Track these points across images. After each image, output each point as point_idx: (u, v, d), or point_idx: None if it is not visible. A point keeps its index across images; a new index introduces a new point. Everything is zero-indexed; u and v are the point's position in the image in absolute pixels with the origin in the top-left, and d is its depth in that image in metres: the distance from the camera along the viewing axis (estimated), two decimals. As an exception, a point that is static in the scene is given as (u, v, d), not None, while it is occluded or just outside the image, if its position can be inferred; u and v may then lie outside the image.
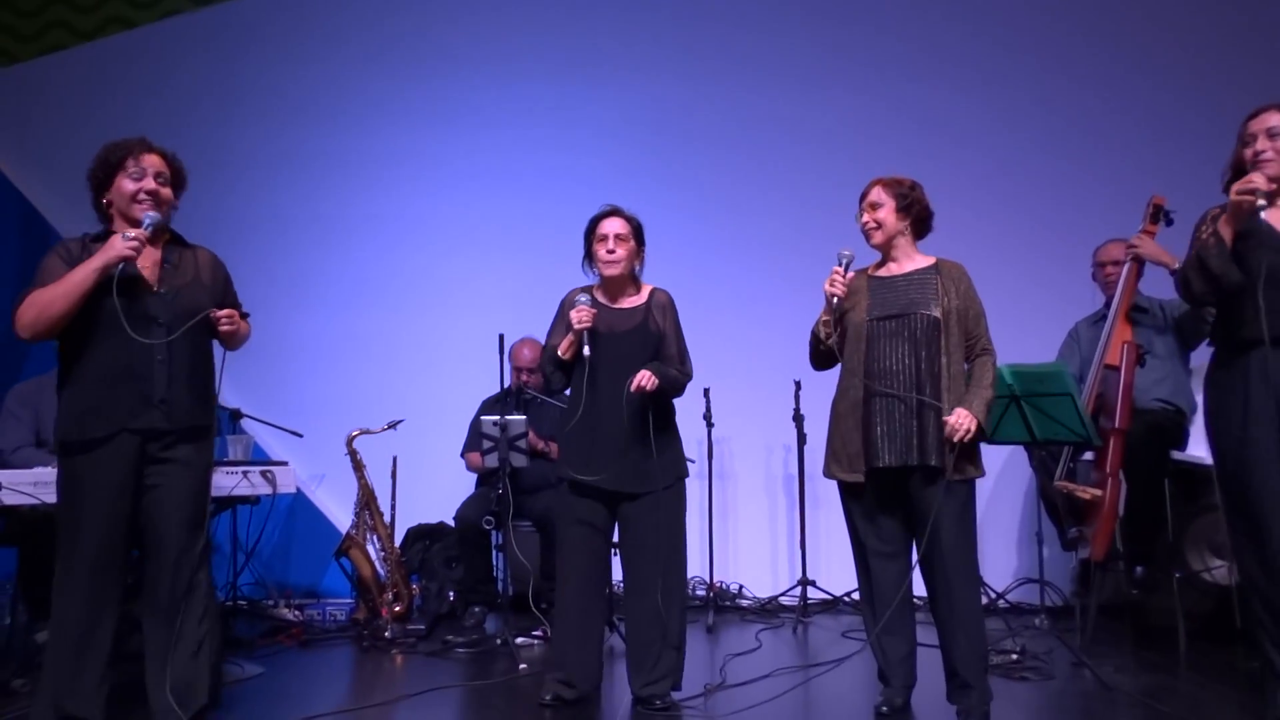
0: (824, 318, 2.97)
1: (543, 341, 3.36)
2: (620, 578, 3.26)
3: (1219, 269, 2.69)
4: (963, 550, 2.85)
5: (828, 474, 3.02)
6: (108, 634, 2.68)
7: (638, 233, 3.20)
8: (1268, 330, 2.64)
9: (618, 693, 3.23)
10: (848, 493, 3.01)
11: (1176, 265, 3.87)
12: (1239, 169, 2.78)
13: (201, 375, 2.82)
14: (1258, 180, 2.63)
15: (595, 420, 3.06)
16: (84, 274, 2.62)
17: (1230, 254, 2.70)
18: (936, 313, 2.88)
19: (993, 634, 3.22)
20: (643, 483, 3.06)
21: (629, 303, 3.19)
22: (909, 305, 2.91)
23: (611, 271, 3.13)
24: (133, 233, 2.64)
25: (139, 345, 2.66)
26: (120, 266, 2.63)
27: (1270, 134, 2.72)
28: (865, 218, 3.01)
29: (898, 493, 2.93)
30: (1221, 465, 2.82)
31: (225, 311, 2.80)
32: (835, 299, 2.91)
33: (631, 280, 3.21)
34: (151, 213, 2.73)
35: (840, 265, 2.92)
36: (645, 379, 2.99)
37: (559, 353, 3.09)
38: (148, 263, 2.76)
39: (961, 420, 2.79)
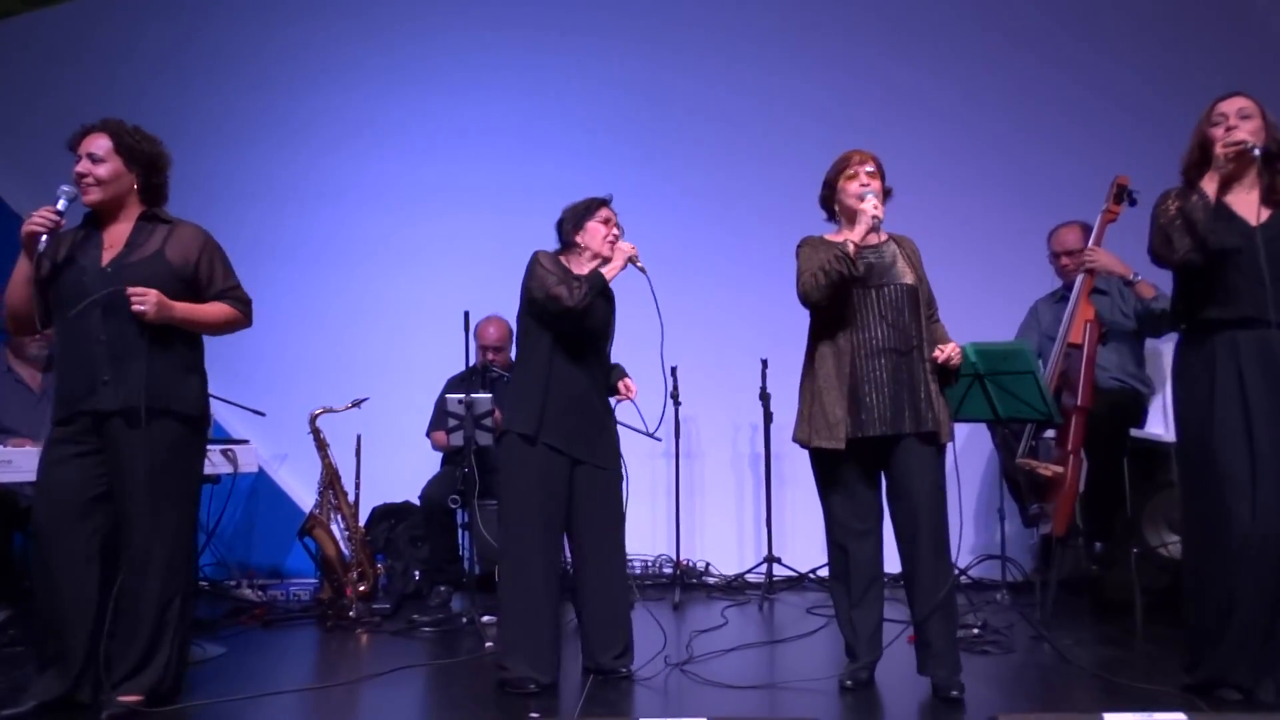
0: (855, 240, 2.84)
1: (510, 319, 3.33)
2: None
3: (1205, 228, 2.66)
4: (937, 521, 2.90)
5: (804, 442, 2.98)
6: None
7: None
8: (1237, 311, 2.68)
9: (570, 665, 3.19)
10: (824, 462, 2.98)
11: (1132, 276, 3.94)
12: (1204, 147, 2.79)
13: (162, 353, 2.71)
14: (1240, 134, 2.68)
15: (577, 391, 3.10)
16: (20, 259, 2.66)
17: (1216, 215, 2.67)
18: (912, 280, 2.97)
19: (955, 609, 3.24)
20: (608, 457, 3.16)
21: None
22: (885, 274, 2.96)
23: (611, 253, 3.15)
24: (42, 210, 2.62)
25: (84, 325, 2.63)
26: (43, 244, 2.59)
27: (1242, 115, 2.74)
28: (873, 184, 2.94)
29: (874, 464, 2.95)
30: (1184, 445, 2.83)
31: (135, 290, 2.62)
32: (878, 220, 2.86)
33: None
34: (66, 187, 2.68)
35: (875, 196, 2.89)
36: (634, 389, 3.24)
37: (606, 274, 3.06)
38: (114, 239, 2.73)
39: (950, 350, 2.93)
